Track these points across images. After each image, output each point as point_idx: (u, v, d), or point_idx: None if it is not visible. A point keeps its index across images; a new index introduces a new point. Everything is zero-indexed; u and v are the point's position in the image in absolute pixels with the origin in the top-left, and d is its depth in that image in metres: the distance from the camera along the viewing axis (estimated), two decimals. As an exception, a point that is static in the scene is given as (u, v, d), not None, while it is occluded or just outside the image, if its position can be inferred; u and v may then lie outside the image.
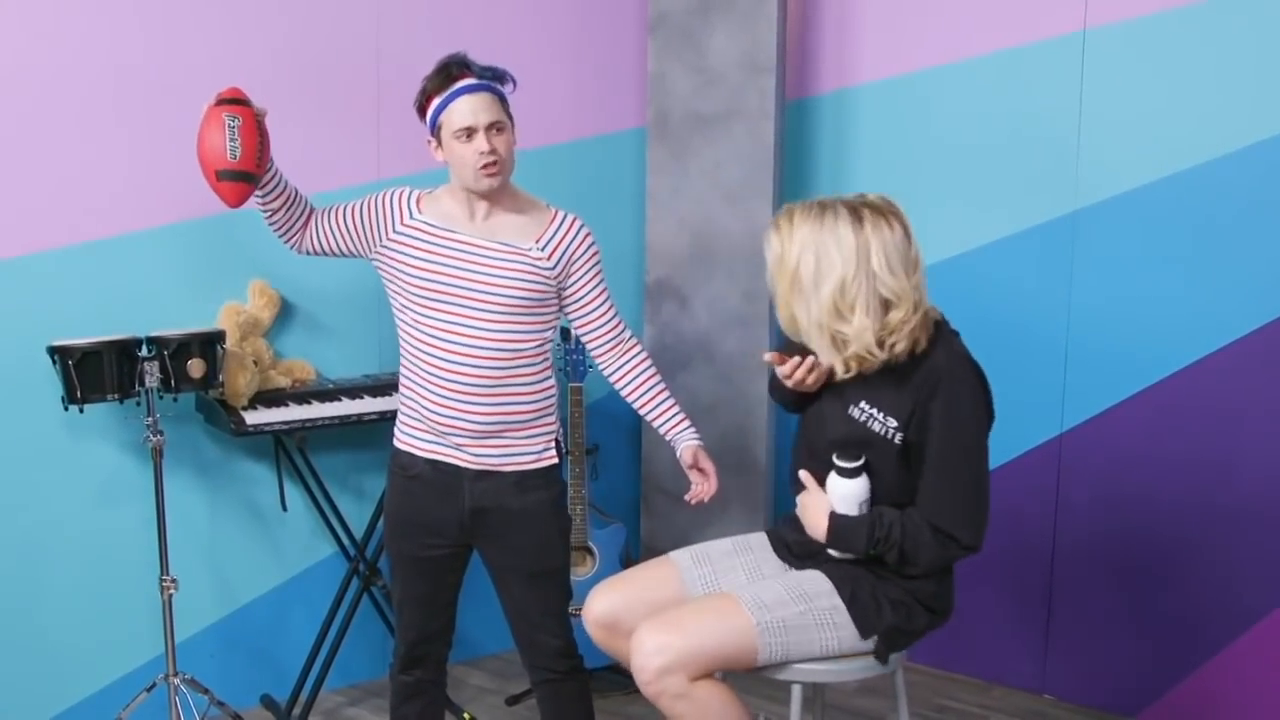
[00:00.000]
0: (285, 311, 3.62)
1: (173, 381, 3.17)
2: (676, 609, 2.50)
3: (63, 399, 3.10)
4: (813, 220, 2.41)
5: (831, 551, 2.54)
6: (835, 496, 2.48)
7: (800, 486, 2.57)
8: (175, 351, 3.17)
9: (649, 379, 2.90)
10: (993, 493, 2.51)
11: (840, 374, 2.45)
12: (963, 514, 2.44)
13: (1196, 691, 3.53)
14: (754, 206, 3.91)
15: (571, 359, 3.73)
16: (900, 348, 2.41)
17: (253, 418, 3.34)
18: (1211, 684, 3.50)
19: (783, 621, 2.43)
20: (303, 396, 3.48)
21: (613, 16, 4.14)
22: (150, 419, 3.15)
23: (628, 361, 2.90)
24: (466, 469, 2.76)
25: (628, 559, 3.89)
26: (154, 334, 3.19)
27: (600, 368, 2.94)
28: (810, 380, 2.52)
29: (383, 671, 3.38)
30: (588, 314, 2.85)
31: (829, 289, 2.38)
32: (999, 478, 2.53)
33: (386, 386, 3.55)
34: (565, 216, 2.80)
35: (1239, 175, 3.34)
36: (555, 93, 4.02)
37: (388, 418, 3.39)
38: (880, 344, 2.40)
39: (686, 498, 2.90)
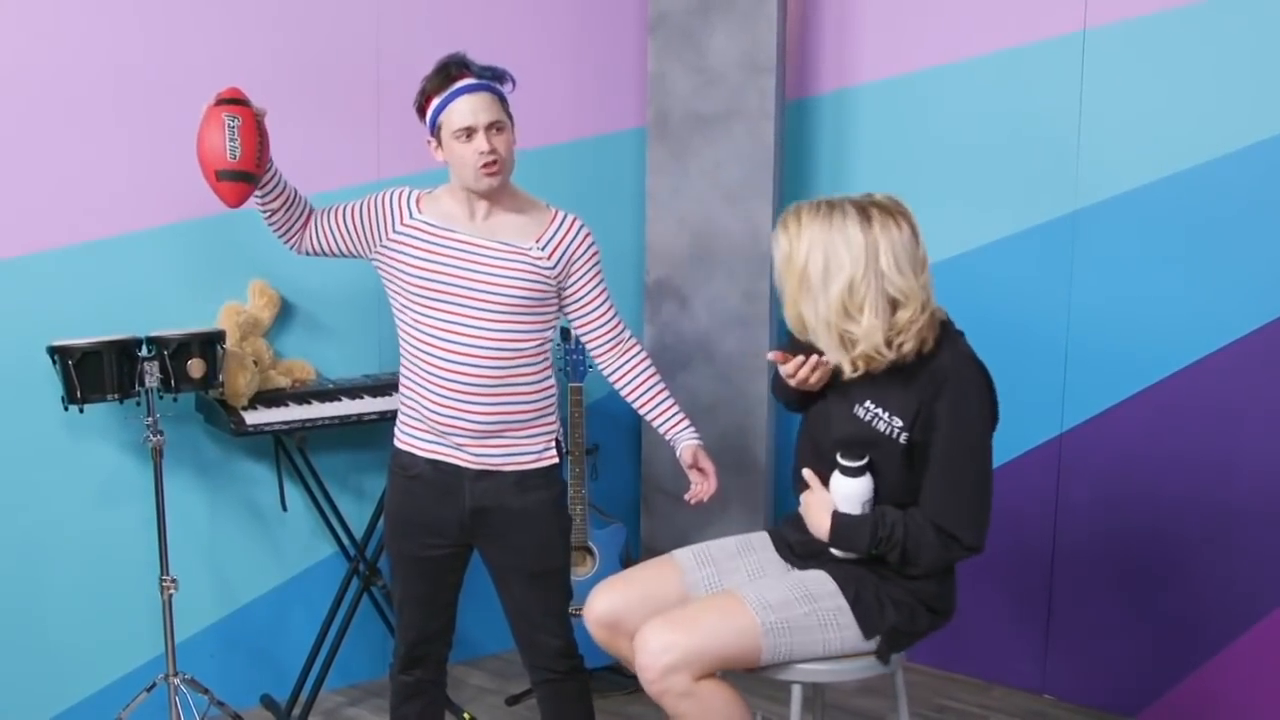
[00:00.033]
0: (285, 311, 3.62)
1: (173, 381, 3.17)
2: (681, 608, 2.50)
3: (63, 399, 3.10)
4: (821, 219, 2.41)
5: (834, 551, 2.54)
6: (838, 495, 2.49)
7: (803, 485, 2.57)
8: (175, 351, 3.17)
9: (648, 379, 2.91)
10: (994, 493, 2.51)
11: (848, 373, 2.45)
12: (966, 514, 2.44)
13: (1196, 691, 3.53)
14: (754, 206, 3.91)
15: (571, 359, 3.73)
16: (908, 347, 2.41)
17: (253, 418, 3.34)
18: (1211, 684, 3.50)
19: (787, 622, 2.43)
20: (303, 396, 3.48)
21: (613, 16, 4.14)
22: (150, 419, 3.15)
23: (627, 361, 2.90)
24: (467, 469, 2.76)
25: (628, 559, 3.89)
26: (154, 334, 3.19)
27: (600, 368, 2.94)
28: (814, 379, 2.52)
29: (383, 671, 3.38)
30: (587, 314, 2.85)
31: (837, 288, 2.38)
32: (999, 478, 2.54)
33: (386, 386, 3.55)
34: (566, 216, 2.81)
35: (1239, 175, 3.34)
36: (555, 93, 4.02)
37: (388, 418, 3.39)
38: (888, 343, 2.40)
39: (686, 497, 2.90)
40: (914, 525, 2.44)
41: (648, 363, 2.92)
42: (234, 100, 2.76)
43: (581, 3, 4.09)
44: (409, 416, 2.81)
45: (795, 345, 2.58)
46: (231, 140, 2.70)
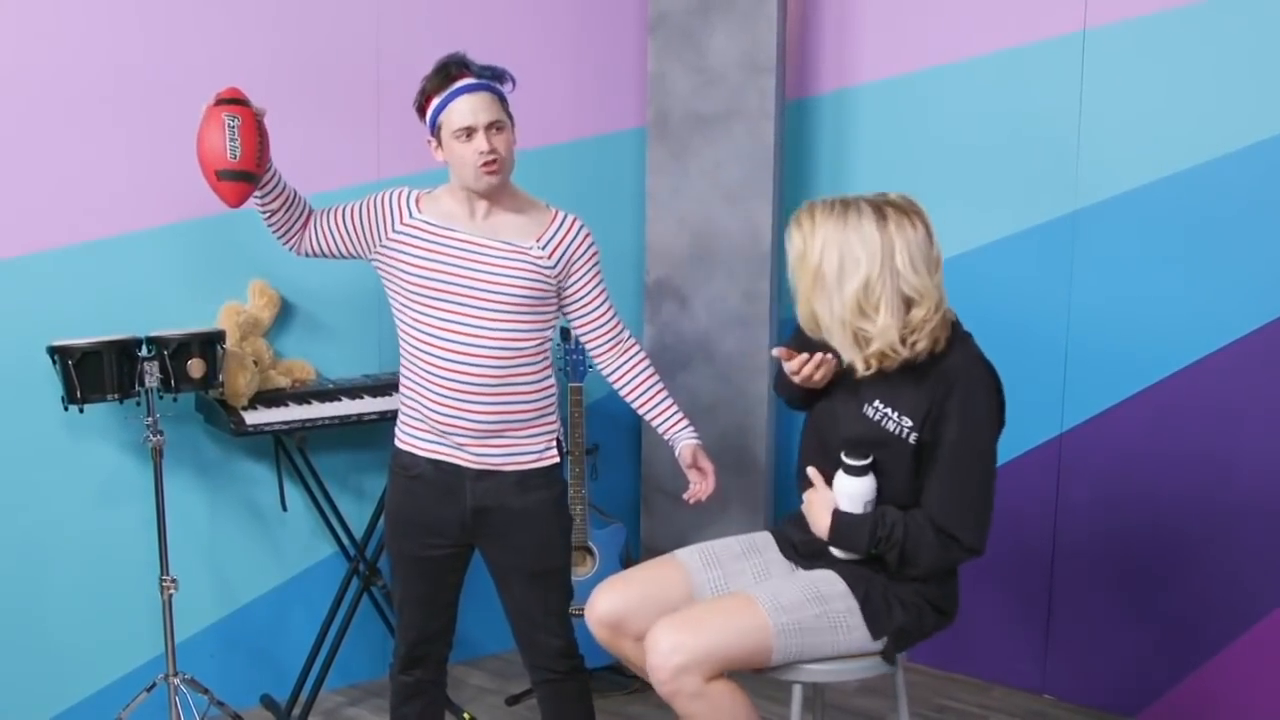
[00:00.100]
0: (285, 311, 3.62)
1: (173, 381, 3.17)
2: (693, 608, 2.49)
3: (63, 399, 3.10)
4: (836, 218, 2.41)
5: (833, 550, 2.54)
6: (841, 494, 2.49)
7: (808, 484, 2.57)
8: (175, 351, 3.17)
9: (648, 379, 2.91)
10: (995, 492, 2.51)
11: (860, 371, 2.45)
12: (968, 515, 2.44)
13: (1196, 691, 3.53)
14: (754, 206, 3.91)
15: (571, 359, 3.73)
16: (921, 346, 2.41)
17: (253, 418, 3.34)
18: (1211, 684, 3.50)
19: (799, 623, 2.43)
20: (303, 396, 3.48)
21: (613, 16, 4.14)
22: (150, 419, 3.15)
23: (626, 361, 2.90)
24: (468, 468, 2.76)
25: (628, 559, 3.89)
26: (154, 334, 3.19)
27: (599, 368, 2.94)
28: (818, 376, 2.52)
29: (383, 671, 3.38)
30: (587, 314, 2.85)
31: (853, 286, 2.38)
32: (999, 478, 2.54)
33: (386, 386, 3.55)
34: (566, 216, 2.81)
35: (1239, 175, 3.34)
36: (555, 93, 4.02)
37: (388, 418, 3.40)
38: (902, 341, 2.40)
39: (685, 497, 2.90)
40: (914, 526, 2.43)
41: (647, 363, 2.92)
42: (234, 100, 2.76)
43: (581, 3, 4.09)
44: (409, 416, 2.81)
45: (800, 342, 2.58)
46: (232, 140, 2.70)
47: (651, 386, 2.91)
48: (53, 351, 3.08)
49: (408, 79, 2.87)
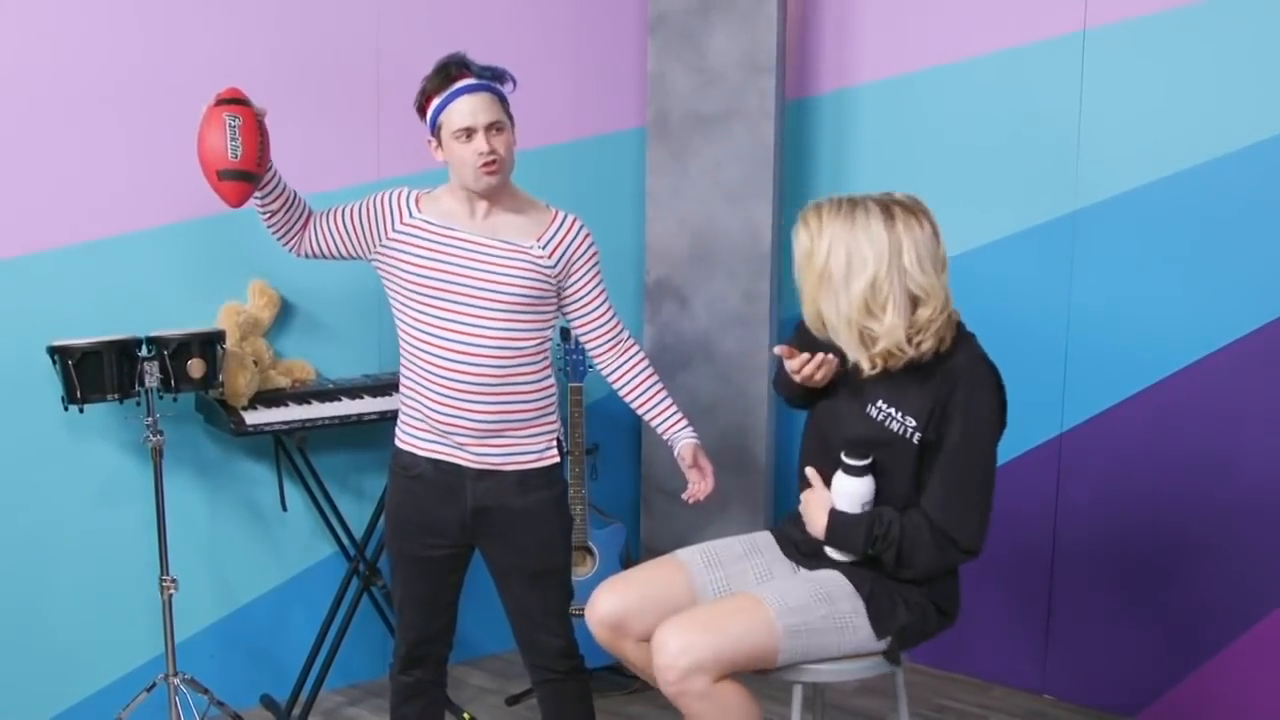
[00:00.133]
0: (285, 311, 3.62)
1: (173, 381, 3.17)
2: (700, 609, 2.48)
3: (63, 399, 3.10)
4: (843, 217, 2.41)
5: (829, 551, 2.54)
6: (839, 494, 2.48)
7: (808, 483, 2.57)
8: (175, 351, 3.17)
9: (647, 379, 2.91)
10: (994, 493, 2.51)
11: (866, 371, 2.45)
12: (968, 516, 2.44)
13: (1196, 691, 3.53)
14: (754, 206, 3.91)
15: (571, 359, 3.73)
16: (927, 345, 2.41)
17: (253, 418, 3.34)
18: (1211, 684, 3.50)
19: (806, 624, 2.42)
20: (303, 396, 3.48)
21: (613, 16, 4.14)
22: (150, 419, 3.15)
23: (626, 362, 2.90)
24: (468, 468, 2.76)
25: (628, 559, 3.90)
26: (154, 334, 3.19)
27: (598, 368, 2.94)
28: (819, 377, 2.52)
29: (383, 671, 3.38)
30: (587, 314, 2.85)
31: (860, 285, 2.38)
32: (998, 478, 2.54)
33: (386, 386, 3.55)
34: (566, 216, 2.81)
35: (1239, 175, 3.34)
36: (555, 93, 4.02)
37: (388, 418, 3.40)
38: (908, 340, 2.40)
39: (684, 496, 2.90)
40: (910, 526, 2.43)
41: (646, 363, 2.92)
42: (234, 100, 2.76)
43: (581, 3, 4.09)
44: (410, 416, 2.81)
45: (802, 340, 2.58)
46: (233, 140, 2.70)
47: (651, 387, 2.91)
48: (53, 351, 3.08)
49: (408, 79, 2.87)
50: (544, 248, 2.75)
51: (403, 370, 2.80)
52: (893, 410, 2.45)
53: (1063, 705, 3.76)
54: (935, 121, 3.85)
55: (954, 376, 2.42)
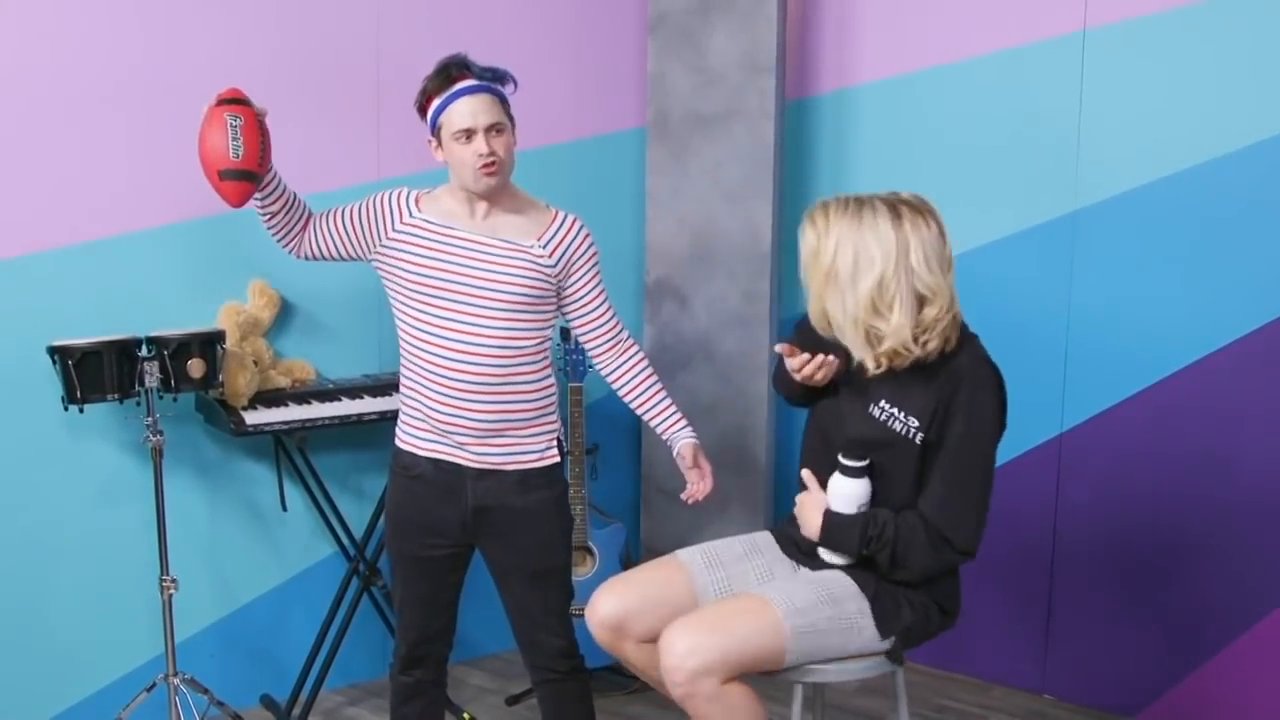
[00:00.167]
0: (285, 311, 3.62)
1: (173, 381, 3.17)
2: (708, 610, 2.47)
3: (63, 399, 3.10)
4: (850, 216, 2.41)
5: (823, 553, 2.54)
6: (835, 495, 2.48)
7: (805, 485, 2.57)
8: (175, 351, 3.17)
9: (646, 379, 2.91)
10: (993, 493, 2.51)
11: (871, 370, 2.44)
12: (966, 516, 2.44)
13: (1196, 691, 3.53)
14: (754, 206, 3.91)
15: (571, 359, 3.73)
16: (932, 345, 2.40)
17: (253, 418, 3.34)
18: (1211, 684, 3.50)
19: (813, 625, 2.42)
20: (303, 396, 3.48)
21: (613, 16, 4.14)
22: (150, 419, 3.15)
23: (625, 362, 2.91)
24: (469, 468, 2.76)
25: (628, 559, 3.90)
26: (154, 334, 3.19)
27: (598, 368, 2.94)
28: (819, 377, 2.52)
29: (383, 671, 3.38)
30: (586, 314, 2.85)
31: (867, 284, 2.38)
32: (998, 478, 2.54)
33: (386, 386, 3.55)
34: (566, 216, 2.81)
35: (1239, 175, 3.34)
36: (555, 93, 4.02)
37: (388, 418, 3.40)
38: (914, 340, 2.39)
39: (683, 496, 2.90)
40: (905, 527, 2.43)
41: (645, 363, 2.92)
42: (235, 100, 2.76)
43: (581, 3, 4.09)
44: (410, 416, 2.81)
45: (803, 338, 2.58)
46: (234, 139, 2.70)
47: (650, 387, 2.91)
48: (53, 351, 3.08)
49: (408, 79, 2.87)
50: (544, 247, 2.75)
51: (403, 370, 2.80)
52: (895, 410, 2.45)
53: (1063, 705, 3.76)
54: (935, 121, 3.85)
55: (957, 376, 2.42)
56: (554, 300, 2.80)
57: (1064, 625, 3.75)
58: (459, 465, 2.76)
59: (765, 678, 2.50)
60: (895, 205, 2.41)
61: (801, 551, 2.64)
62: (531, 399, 2.76)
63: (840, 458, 2.46)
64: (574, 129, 4.09)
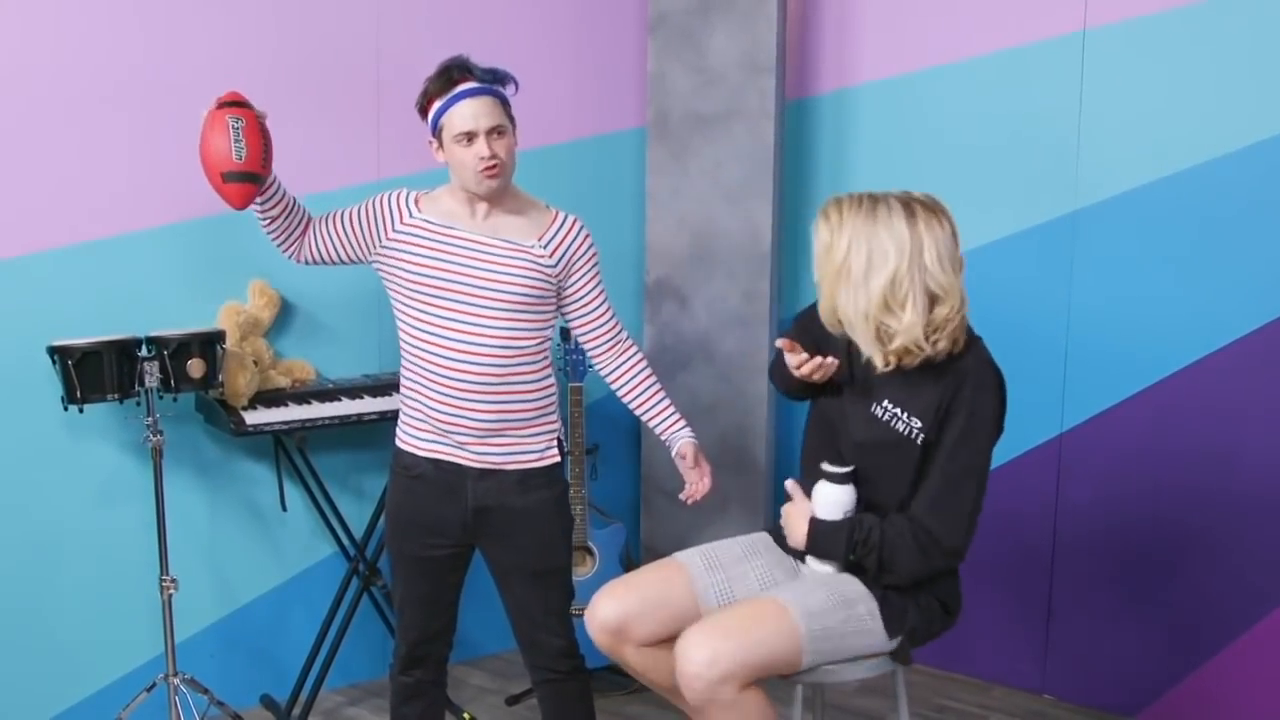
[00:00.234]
0: (285, 311, 3.62)
1: (173, 381, 3.17)
2: (722, 615, 2.45)
3: (63, 399, 3.10)
4: (865, 213, 2.41)
5: (810, 562, 2.53)
6: (821, 503, 2.48)
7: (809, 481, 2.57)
8: (175, 351, 3.17)
9: (645, 380, 2.91)
10: (992, 493, 2.51)
11: (880, 367, 2.44)
12: (956, 516, 2.43)
13: (1196, 691, 3.53)
14: (754, 206, 3.91)
15: (571, 359, 3.74)
16: (941, 345, 2.40)
17: (253, 418, 3.34)
18: (1211, 684, 3.50)
19: (827, 629, 2.42)
20: (303, 396, 3.48)
21: (613, 16, 4.14)
22: (150, 419, 3.15)
23: (625, 362, 2.91)
24: (469, 468, 2.76)
25: (628, 559, 3.90)
26: (154, 334, 3.19)
27: (597, 368, 2.94)
28: (817, 376, 2.52)
29: (383, 671, 3.38)
30: (586, 315, 2.86)
31: (880, 282, 2.38)
32: (998, 478, 2.54)
33: (386, 386, 3.55)
34: (566, 217, 2.81)
35: (1239, 175, 3.34)
36: (555, 93, 4.02)
37: (388, 418, 3.40)
38: (925, 338, 2.39)
39: (682, 497, 2.90)
40: (891, 531, 2.43)
41: (644, 364, 2.92)
42: (236, 103, 2.76)
43: (581, 3, 4.09)
44: (411, 416, 2.81)
45: (801, 332, 2.58)
46: (236, 141, 2.70)
47: (649, 387, 2.91)
48: (53, 351, 3.08)
49: (408, 79, 2.87)
50: (545, 247, 2.75)
51: (403, 370, 2.80)
52: (899, 410, 2.45)
53: (1063, 705, 3.76)
54: (935, 121, 3.85)
55: (962, 376, 2.42)
56: (554, 300, 2.80)
57: (1064, 625, 3.76)
58: (459, 465, 2.76)
59: (765, 678, 2.51)
60: (909, 204, 2.41)
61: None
62: (532, 399, 2.76)
63: (823, 465, 2.47)
64: (574, 129, 4.09)
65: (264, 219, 2.83)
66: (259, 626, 3.71)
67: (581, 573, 3.78)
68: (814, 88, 4.12)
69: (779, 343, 2.55)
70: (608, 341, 2.89)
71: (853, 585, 2.49)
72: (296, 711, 3.56)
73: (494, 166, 2.65)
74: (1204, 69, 3.37)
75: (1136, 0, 3.45)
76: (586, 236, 2.82)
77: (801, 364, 2.51)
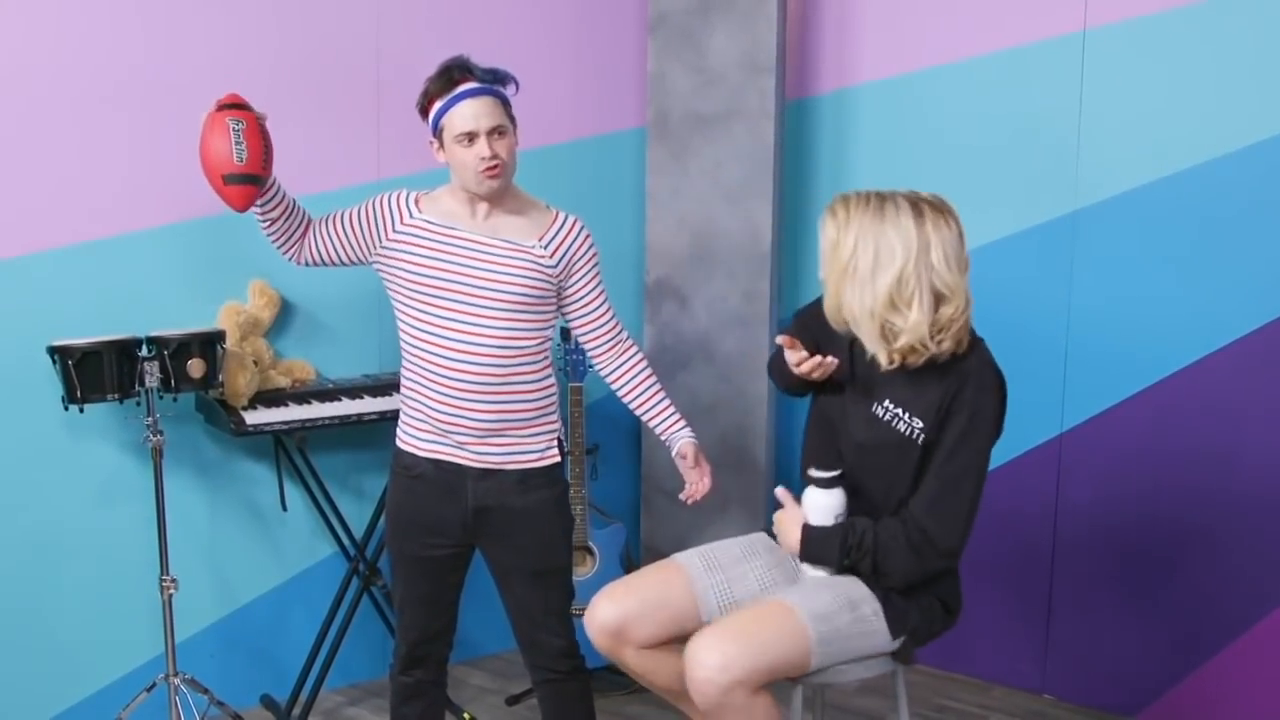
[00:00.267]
0: (285, 311, 3.62)
1: (173, 381, 3.17)
2: (732, 620, 2.44)
3: (63, 399, 3.10)
4: (872, 211, 2.41)
5: (805, 567, 2.53)
6: (811, 509, 2.48)
7: (808, 480, 2.57)
8: (175, 351, 3.17)
9: (645, 380, 2.91)
10: (992, 493, 2.51)
11: (884, 365, 2.44)
12: (952, 516, 2.43)
13: (1196, 691, 3.53)
14: (754, 206, 3.91)
15: (571, 359, 3.74)
16: (946, 345, 2.41)
17: (253, 418, 3.34)
18: (1211, 684, 3.50)
19: (835, 631, 2.42)
20: (303, 396, 3.48)
21: (613, 16, 4.14)
22: (150, 419, 3.15)
23: (625, 363, 2.91)
24: (470, 468, 2.76)
25: (628, 559, 3.90)
26: (154, 334, 3.19)
27: (597, 368, 2.94)
28: (817, 375, 2.52)
29: (383, 671, 3.38)
30: (586, 315, 2.86)
31: (887, 280, 2.38)
32: (998, 478, 2.54)
33: (386, 386, 3.55)
34: (567, 217, 2.81)
35: (1239, 175, 3.34)
36: (555, 93, 4.02)
37: (388, 418, 3.40)
38: (930, 337, 2.40)
39: (682, 497, 2.90)
40: (885, 534, 2.43)
41: (644, 364, 2.93)
42: (235, 105, 2.75)
43: (581, 3, 4.09)
44: (411, 416, 2.81)
45: (800, 328, 2.58)
46: (237, 143, 2.69)
47: (649, 388, 2.91)
48: (53, 351, 3.08)
49: (408, 79, 2.87)
50: (545, 247, 2.75)
51: (404, 370, 2.80)
52: (900, 411, 2.45)
53: (1063, 705, 3.76)
54: (935, 121, 3.85)
55: (964, 376, 2.42)
56: (554, 300, 2.80)
57: (1064, 625, 3.76)
58: (460, 465, 2.76)
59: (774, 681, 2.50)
60: (917, 203, 2.41)
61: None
62: (532, 399, 2.76)
63: (810, 471, 2.47)
64: (574, 129, 4.09)
65: (264, 221, 2.82)
66: (259, 626, 3.71)
67: (582, 573, 3.78)
68: (814, 88, 4.12)
69: (779, 339, 2.55)
70: (608, 342, 2.89)
71: (857, 587, 2.49)
72: (296, 711, 3.56)
73: (495, 167, 2.65)
74: (1204, 69, 3.38)
75: (1136, 0, 3.45)
76: (587, 237, 2.82)
77: (801, 361, 2.51)
